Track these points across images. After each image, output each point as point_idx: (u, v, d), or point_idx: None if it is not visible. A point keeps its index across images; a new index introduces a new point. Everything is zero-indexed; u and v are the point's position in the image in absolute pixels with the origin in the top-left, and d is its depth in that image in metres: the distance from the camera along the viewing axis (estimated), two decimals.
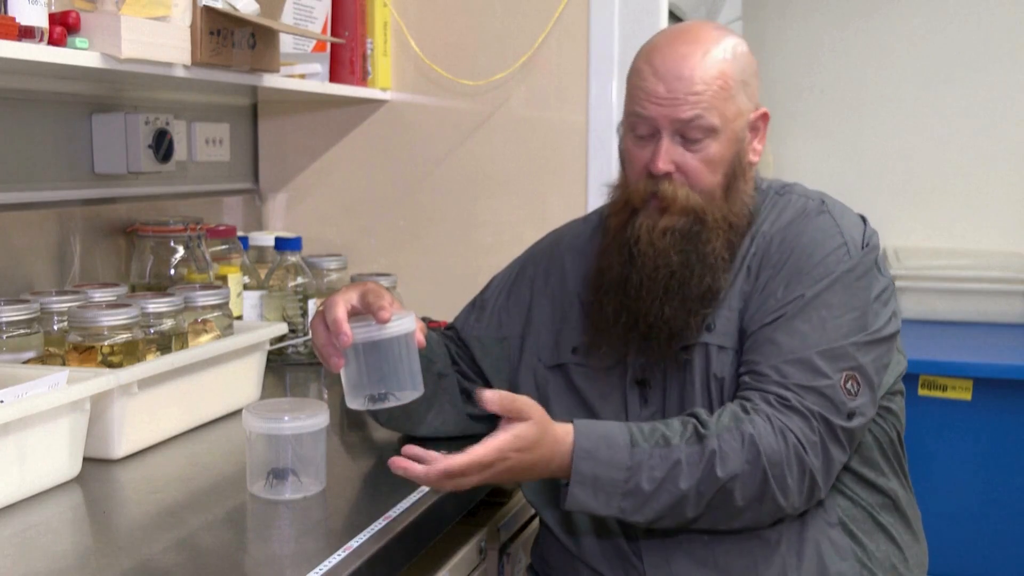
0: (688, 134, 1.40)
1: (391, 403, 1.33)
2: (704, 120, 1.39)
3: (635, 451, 1.30)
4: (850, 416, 1.33)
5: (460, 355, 1.62)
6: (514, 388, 1.56)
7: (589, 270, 1.53)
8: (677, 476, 1.29)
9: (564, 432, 1.32)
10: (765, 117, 1.47)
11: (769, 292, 1.40)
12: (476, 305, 1.66)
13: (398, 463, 1.24)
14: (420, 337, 1.35)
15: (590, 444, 1.31)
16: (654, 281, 1.41)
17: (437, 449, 1.52)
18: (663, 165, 1.40)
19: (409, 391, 1.33)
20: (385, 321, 1.29)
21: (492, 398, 1.26)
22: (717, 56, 1.40)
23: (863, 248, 1.42)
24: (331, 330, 1.31)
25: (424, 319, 1.70)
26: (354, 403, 1.34)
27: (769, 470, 1.30)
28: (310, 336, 2.08)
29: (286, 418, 1.32)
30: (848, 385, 1.34)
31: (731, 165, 1.42)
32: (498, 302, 1.63)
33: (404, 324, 1.32)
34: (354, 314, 1.33)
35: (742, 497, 1.30)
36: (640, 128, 1.43)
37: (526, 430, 1.27)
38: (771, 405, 1.33)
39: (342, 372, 1.34)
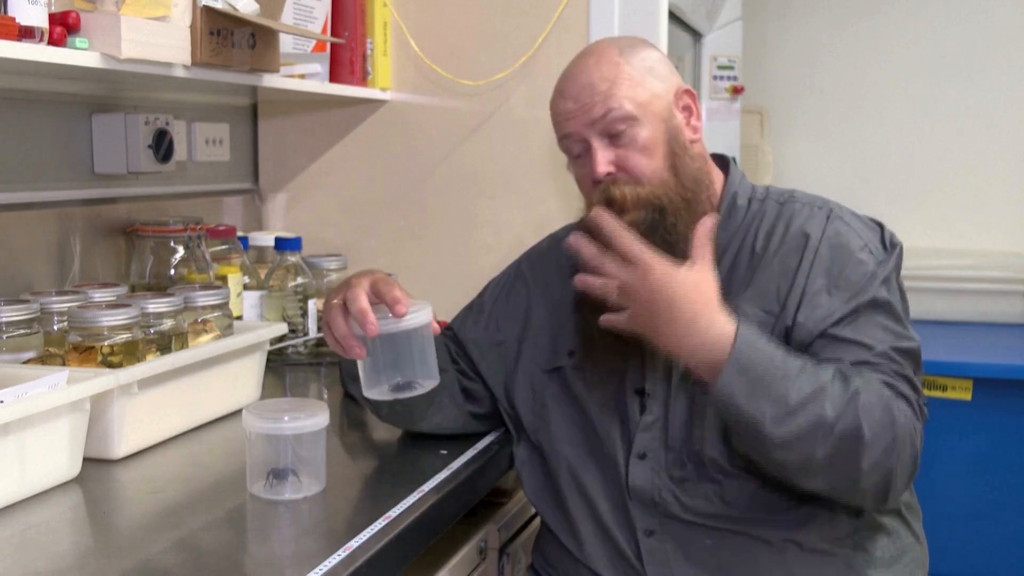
0: (611, 130, 1.42)
1: (416, 391, 1.36)
2: (617, 111, 1.41)
3: (790, 360, 1.28)
4: (922, 409, 1.35)
5: (459, 355, 1.63)
6: (510, 392, 1.57)
7: None
8: (823, 400, 1.26)
9: (719, 309, 1.29)
10: (690, 94, 1.50)
11: (815, 297, 1.38)
12: (473, 308, 1.67)
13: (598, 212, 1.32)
14: (436, 326, 1.38)
15: (752, 334, 1.28)
16: None
17: (439, 448, 1.53)
18: (601, 168, 1.42)
19: (427, 380, 1.36)
20: (402, 315, 1.32)
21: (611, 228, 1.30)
22: (609, 57, 1.45)
23: (885, 247, 1.44)
24: (357, 320, 1.33)
25: None
26: (374, 392, 1.36)
27: (896, 441, 1.28)
28: (312, 336, 2.09)
29: (286, 418, 1.32)
30: (916, 378, 1.37)
31: (668, 145, 1.44)
32: (495, 306, 1.63)
33: (423, 315, 1.35)
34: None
35: (867, 461, 1.27)
36: (573, 148, 1.47)
37: (686, 273, 1.28)
38: (893, 388, 1.32)
39: (359, 362, 1.36)
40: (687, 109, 1.49)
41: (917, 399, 1.34)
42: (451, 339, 1.65)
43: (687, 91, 1.50)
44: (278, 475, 1.32)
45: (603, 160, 1.43)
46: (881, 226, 1.48)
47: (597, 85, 1.43)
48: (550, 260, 1.62)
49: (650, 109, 1.43)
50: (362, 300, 1.33)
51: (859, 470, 1.27)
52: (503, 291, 1.65)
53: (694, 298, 1.27)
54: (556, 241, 1.64)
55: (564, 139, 1.48)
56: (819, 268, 1.40)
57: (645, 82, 1.45)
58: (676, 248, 1.40)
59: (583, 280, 1.31)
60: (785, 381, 1.26)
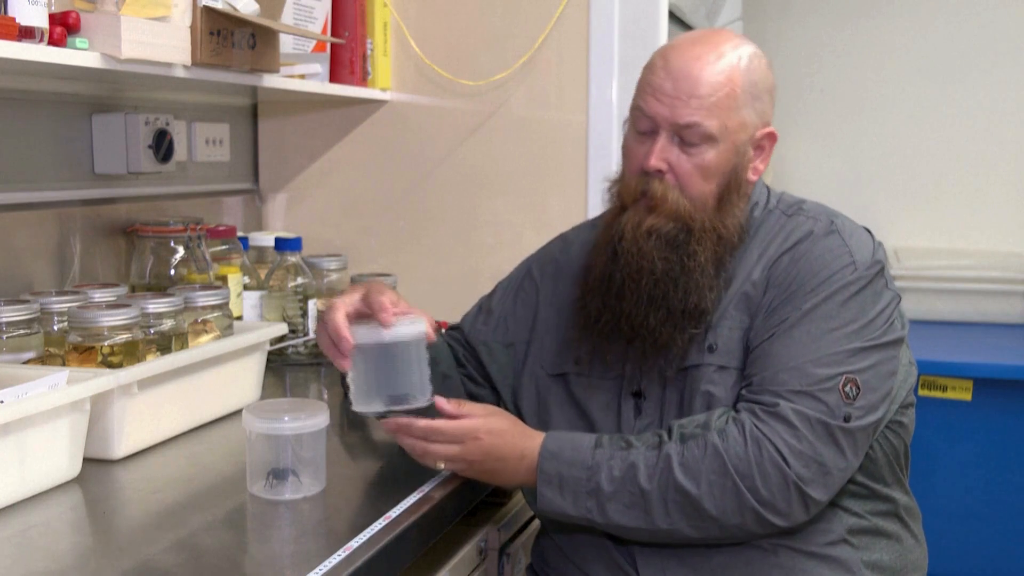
0: (686, 137, 1.39)
1: (406, 405, 1.32)
2: (702, 128, 1.37)
3: (597, 452, 1.34)
4: (847, 419, 1.32)
5: (467, 358, 1.62)
6: (516, 394, 1.56)
7: None
8: (635, 475, 1.31)
9: (536, 434, 1.38)
10: (772, 137, 1.45)
11: (772, 310, 1.38)
12: (483, 309, 1.65)
13: (390, 422, 1.35)
14: (430, 332, 1.35)
15: (556, 446, 1.36)
16: (637, 284, 1.40)
17: None
18: (655, 162, 1.39)
19: (419, 394, 1.33)
20: (386, 323, 1.29)
21: (443, 404, 1.36)
22: (730, 62, 1.39)
23: (870, 264, 1.40)
24: (331, 337, 1.31)
25: None
26: (362, 406, 1.33)
27: (740, 481, 1.28)
28: (312, 336, 2.09)
29: (286, 418, 1.32)
30: (846, 388, 1.32)
31: (727, 176, 1.41)
32: (504, 307, 1.62)
33: (414, 328, 1.32)
34: (361, 316, 1.34)
35: (715, 508, 1.29)
36: (641, 123, 1.42)
37: (496, 418, 1.38)
38: (753, 415, 1.31)
39: (348, 376, 1.34)
40: (760, 149, 1.44)
41: (817, 414, 1.30)
42: (459, 341, 1.64)
43: (771, 134, 1.44)
44: (278, 475, 1.32)
45: (660, 156, 1.39)
46: (873, 240, 1.45)
47: (701, 88, 1.37)
48: (562, 263, 1.60)
49: (731, 137, 1.39)
50: (337, 316, 1.31)
51: (716, 520, 1.30)
52: (512, 292, 1.63)
53: (511, 441, 1.37)
54: (568, 244, 1.63)
55: (637, 110, 1.42)
56: (786, 284, 1.39)
57: (744, 109, 1.39)
58: (691, 275, 1.39)
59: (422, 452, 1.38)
60: (595, 473, 1.33)
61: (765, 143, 1.45)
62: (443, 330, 1.69)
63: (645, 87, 1.42)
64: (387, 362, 1.32)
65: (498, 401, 1.59)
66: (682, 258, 1.39)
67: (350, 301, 1.34)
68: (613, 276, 1.42)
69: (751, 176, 1.44)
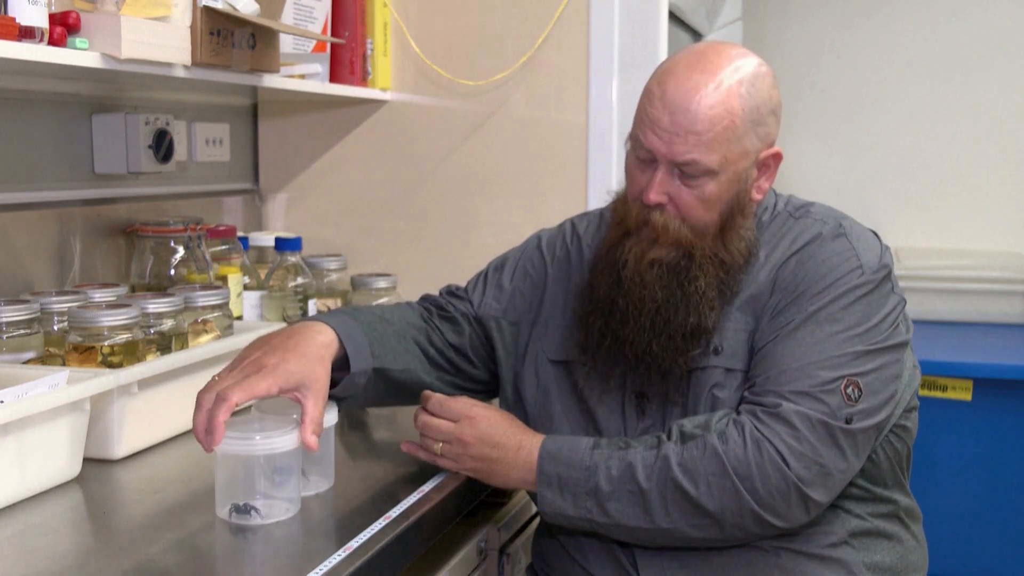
0: (685, 171, 1.37)
1: (254, 520, 1.24)
2: (700, 164, 1.35)
3: (595, 453, 1.35)
4: (849, 420, 1.31)
5: (473, 335, 1.59)
6: (518, 375, 1.55)
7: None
8: (633, 475, 1.31)
9: (535, 432, 1.40)
10: (777, 157, 1.43)
11: (777, 312, 1.38)
12: (489, 282, 1.62)
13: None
14: (308, 440, 1.25)
15: (554, 447, 1.37)
16: (639, 310, 1.40)
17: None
18: (655, 197, 1.38)
19: (270, 510, 1.25)
20: (208, 447, 1.22)
21: (428, 396, 1.43)
22: (730, 90, 1.35)
23: (877, 268, 1.40)
24: (197, 430, 1.24)
25: None
26: (220, 511, 1.26)
27: (739, 483, 1.28)
28: None
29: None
30: (848, 390, 1.32)
31: (729, 204, 1.39)
32: (513, 283, 1.60)
33: (278, 442, 1.24)
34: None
35: (714, 508, 1.29)
36: (640, 153, 1.41)
37: (494, 410, 1.42)
38: (755, 416, 1.31)
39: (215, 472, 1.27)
40: (765, 167, 1.42)
41: (819, 415, 1.30)
42: (467, 317, 1.60)
43: (776, 155, 1.42)
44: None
45: (659, 190, 1.38)
46: (880, 244, 1.45)
47: (698, 125, 1.34)
48: (572, 250, 1.58)
49: (732, 167, 1.37)
50: (199, 415, 1.23)
51: (715, 520, 1.30)
52: (520, 268, 1.61)
53: (509, 430, 1.39)
54: (576, 233, 1.60)
55: (637, 140, 1.40)
56: (793, 287, 1.38)
57: (746, 137, 1.36)
58: (691, 299, 1.38)
59: (410, 447, 1.45)
60: (593, 473, 1.33)
61: (770, 162, 1.43)
62: (446, 298, 1.64)
63: (643, 117, 1.39)
64: (236, 470, 1.25)
65: (492, 383, 1.60)
66: (683, 283, 1.39)
67: (205, 405, 1.24)
68: (616, 301, 1.42)
69: (755, 196, 1.43)
